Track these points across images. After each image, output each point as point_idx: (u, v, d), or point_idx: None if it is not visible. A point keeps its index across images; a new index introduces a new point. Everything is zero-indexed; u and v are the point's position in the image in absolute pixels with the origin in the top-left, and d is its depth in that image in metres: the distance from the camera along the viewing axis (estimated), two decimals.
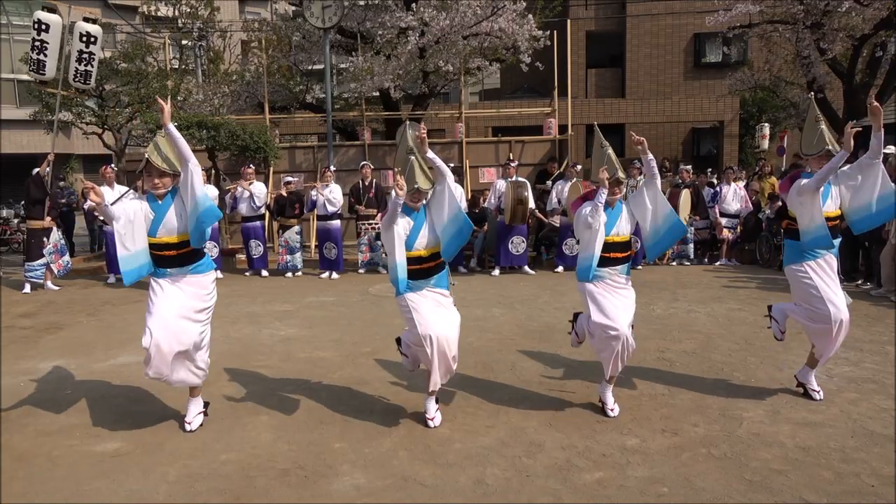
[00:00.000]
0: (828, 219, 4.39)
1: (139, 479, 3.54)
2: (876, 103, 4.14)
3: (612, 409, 4.31)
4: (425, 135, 4.12)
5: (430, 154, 4.10)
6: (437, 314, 4.08)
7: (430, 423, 4.15)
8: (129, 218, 3.97)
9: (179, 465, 3.69)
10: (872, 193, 4.29)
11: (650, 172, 4.34)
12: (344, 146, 14.03)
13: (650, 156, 4.31)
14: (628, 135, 22.00)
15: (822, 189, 4.35)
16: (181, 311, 4.03)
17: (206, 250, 4.34)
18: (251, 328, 6.90)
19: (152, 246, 4.09)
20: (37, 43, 8.77)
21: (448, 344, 4.04)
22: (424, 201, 4.20)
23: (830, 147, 4.34)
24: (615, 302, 4.24)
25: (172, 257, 4.05)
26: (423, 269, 4.13)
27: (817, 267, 4.42)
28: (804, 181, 4.38)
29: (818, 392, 4.52)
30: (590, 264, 4.23)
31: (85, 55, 9.04)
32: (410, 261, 4.11)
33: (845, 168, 4.47)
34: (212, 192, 10.11)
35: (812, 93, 4.62)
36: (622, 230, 4.33)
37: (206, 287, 4.19)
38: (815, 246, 4.39)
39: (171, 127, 3.86)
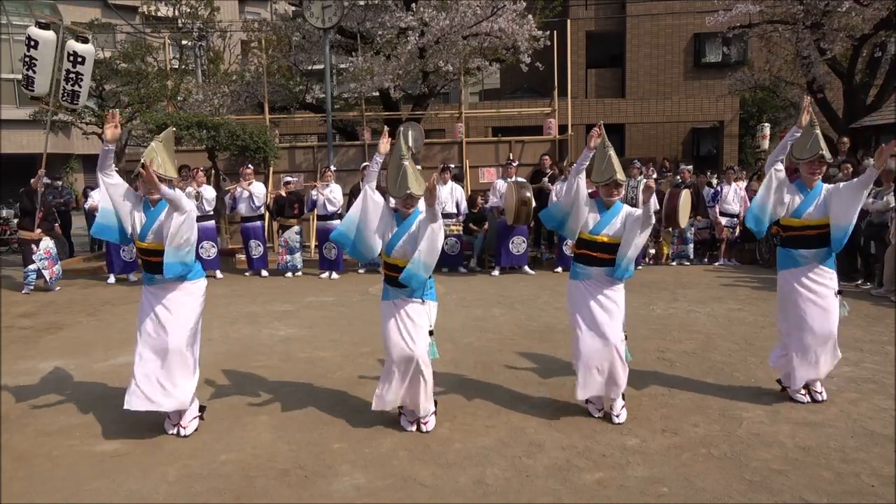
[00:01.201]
0: (807, 227, 4.42)
1: (139, 479, 3.54)
2: (886, 148, 4.20)
3: (617, 416, 4.27)
4: (434, 187, 3.89)
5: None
6: (397, 336, 4.02)
7: (423, 427, 4.12)
8: (121, 187, 4.02)
9: (179, 465, 3.69)
10: (848, 218, 4.30)
11: (646, 219, 4.07)
12: (344, 146, 14.02)
13: (653, 206, 4.06)
14: (628, 135, 22.18)
15: (779, 182, 4.41)
16: (168, 345, 4.02)
17: (202, 251, 4.34)
18: (251, 328, 6.90)
19: (141, 251, 4.11)
20: (26, 59, 8.72)
21: (405, 367, 3.98)
22: (419, 210, 4.08)
23: (824, 152, 4.34)
24: (597, 311, 4.18)
25: (160, 264, 4.01)
26: (397, 279, 4.05)
27: (800, 276, 4.42)
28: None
29: (804, 395, 4.49)
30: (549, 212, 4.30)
31: (72, 75, 8.97)
32: (387, 267, 4.13)
33: (840, 185, 4.45)
34: (209, 193, 10.13)
35: (808, 96, 4.61)
36: (613, 232, 4.20)
37: (195, 295, 4.16)
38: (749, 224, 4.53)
39: (165, 189, 3.85)
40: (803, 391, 4.51)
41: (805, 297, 4.41)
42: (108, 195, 4.04)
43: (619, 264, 4.17)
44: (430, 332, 4.08)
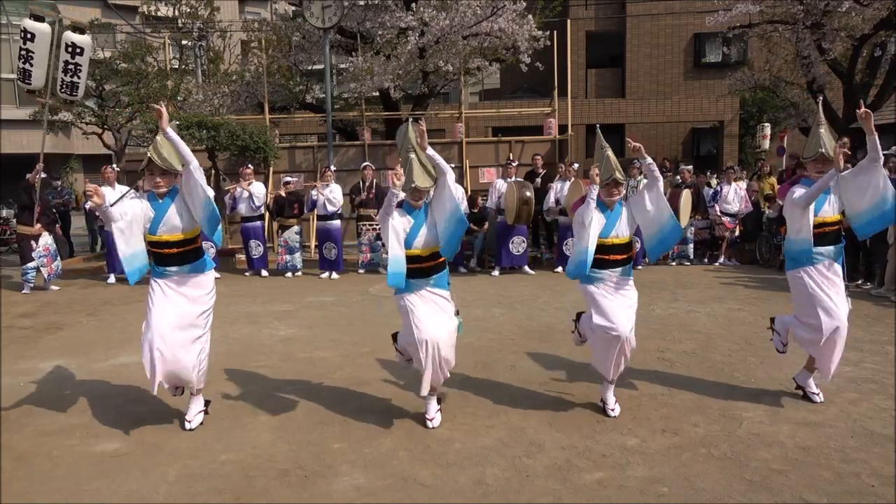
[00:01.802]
0: (824, 224, 4.39)
1: (139, 479, 3.54)
2: (864, 109, 4.15)
3: (612, 409, 4.31)
4: (424, 129, 4.09)
5: (430, 151, 4.05)
6: (434, 319, 4.07)
7: (429, 424, 4.15)
8: (129, 219, 4.02)
9: (179, 465, 3.69)
10: (875, 196, 4.24)
11: (651, 175, 4.30)
12: (344, 146, 14.03)
13: (649, 159, 4.30)
14: (628, 135, 22.19)
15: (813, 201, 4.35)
16: (180, 321, 4.07)
17: (204, 249, 4.37)
18: (251, 328, 6.90)
19: (152, 244, 4.12)
20: (23, 52, 8.70)
21: (441, 350, 4.04)
22: (426, 200, 4.18)
23: (823, 150, 4.33)
24: (616, 303, 4.24)
25: (172, 255, 4.08)
26: (421, 269, 4.12)
27: (817, 273, 4.38)
28: (797, 194, 4.36)
29: (818, 395, 4.50)
30: (582, 259, 4.19)
31: (71, 66, 8.95)
32: (409, 259, 4.11)
33: (845, 173, 4.44)
34: (209, 193, 10.13)
35: (821, 97, 4.59)
36: (621, 232, 4.28)
37: (206, 287, 4.23)
38: (798, 255, 4.41)
39: (171, 131, 3.89)
40: (805, 391, 4.50)
41: (823, 290, 4.35)
42: (126, 237, 4.00)
43: (666, 231, 4.26)
44: (457, 312, 4.20)
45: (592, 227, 4.16)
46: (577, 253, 4.30)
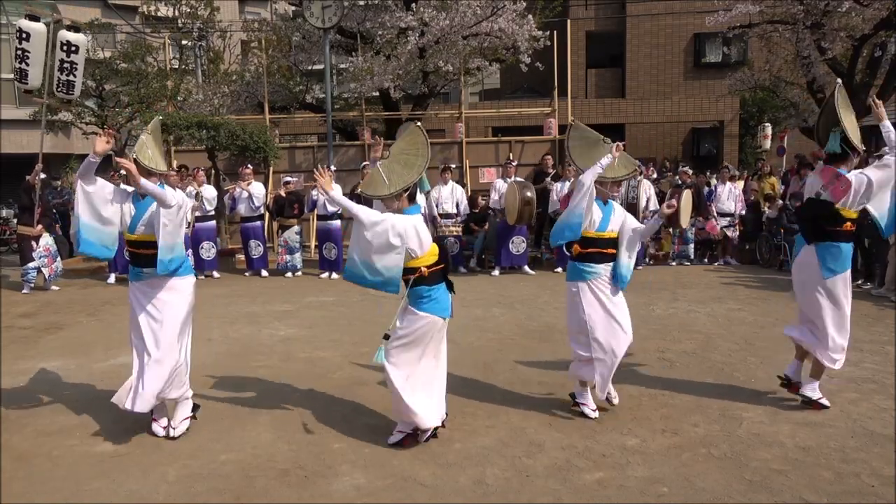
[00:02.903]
0: (851, 220, 4.27)
1: (139, 479, 3.54)
2: (875, 99, 4.13)
3: (614, 398, 4.35)
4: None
5: (337, 195, 3.97)
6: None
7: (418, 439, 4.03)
8: (103, 190, 3.97)
9: (179, 465, 3.69)
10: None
11: (650, 228, 4.48)
12: (344, 146, 14.02)
13: (657, 223, 4.50)
14: (628, 135, 22.18)
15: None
16: (159, 328, 4.02)
17: (187, 255, 4.34)
18: (251, 328, 6.90)
19: (130, 243, 4.12)
20: (19, 52, 8.72)
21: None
22: (412, 209, 3.95)
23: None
24: (608, 318, 4.24)
25: (149, 256, 4.01)
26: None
27: (845, 280, 4.32)
28: (869, 175, 4.12)
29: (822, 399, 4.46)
30: (567, 223, 4.24)
31: (66, 64, 8.97)
32: None
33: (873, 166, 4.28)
34: (210, 192, 10.16)
35: (838, 82, 4.41)
36: (614, 227, 4.34)
37: (182, 290, 4.14)
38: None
39: (145, 182, 3.82)
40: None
41: (848, 299, 4.32)
42: (89, 203, 3.96)
43: (622, 273, 4.32)
44: (386, 336, 3.89)
45: (587, 196, 4.18)
46: (567, 217, 4.29)
